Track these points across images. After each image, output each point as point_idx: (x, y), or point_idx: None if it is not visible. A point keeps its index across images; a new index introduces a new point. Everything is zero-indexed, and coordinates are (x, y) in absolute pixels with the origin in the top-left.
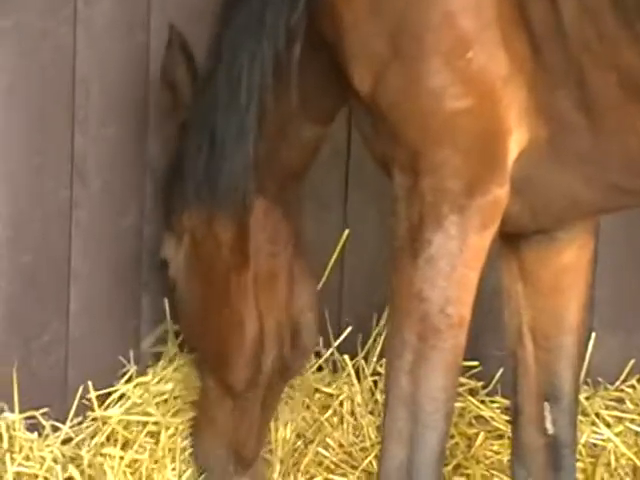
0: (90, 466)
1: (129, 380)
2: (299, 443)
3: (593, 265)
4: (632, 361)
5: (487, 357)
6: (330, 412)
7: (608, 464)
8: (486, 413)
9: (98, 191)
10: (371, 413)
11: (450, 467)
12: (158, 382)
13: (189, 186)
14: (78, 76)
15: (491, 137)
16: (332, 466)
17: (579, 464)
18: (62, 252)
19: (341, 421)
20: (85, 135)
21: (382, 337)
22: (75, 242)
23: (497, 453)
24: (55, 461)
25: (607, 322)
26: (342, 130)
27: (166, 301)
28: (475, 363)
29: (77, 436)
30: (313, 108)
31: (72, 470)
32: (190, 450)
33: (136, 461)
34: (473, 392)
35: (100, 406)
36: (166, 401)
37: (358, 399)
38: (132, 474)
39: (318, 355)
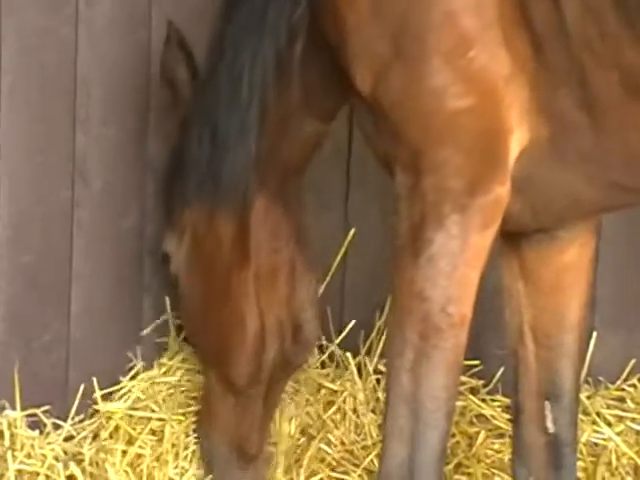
0: (91, 464)
1: (133, 377)
2: (302, 440)
3: (594, 264)
4: (633, 360)
5: (488, 356)
6: (334, 409)
7: (609, 463)
8: (487, 412)
9: (99, 191)
10: (373, 412)
11: (451, 466)
12: (163, 375)
13: (191, 182)
14: (79, 75)
15: (492, 136)
16: (334, 463)
17: (580, 463)
18: (63, 252)
19: (343, 418)
20: (87, 135)
21: (384, 335)
22: (76, 242)
23: (498, 452)
24: (56, 459)
25: (608, 321)
26: (343, 129)
27: (167, 300)
28: (476, 362)
29: (79, 434)
30: (315, 105)
31: (73, 468)
32: (193, 447)
33: (138, 458)
34: (474, 391)
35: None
36: (170, 396)
37: (360, 397)
38: (133, 472)
39: (321, 350)
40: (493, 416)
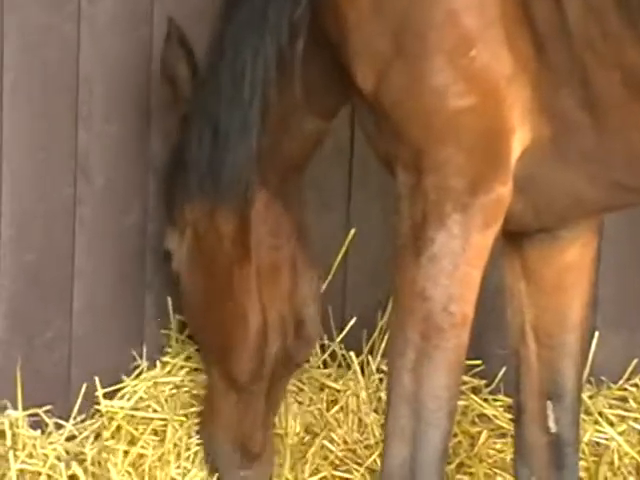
0: (94, 464)
1: (136, 376)
2: (306, 438)
3: (596, 263)
4: (635, 360)
5: (490, 356)
6: (337, 407)
7: (611, 463)
8: (489, 411)
9: (102, 188)
10: (376, 411)
11: (453, 466)
12: (165, 375)
13: (192, 179)
14: (82, 73)
15: (494, 136)
16: (337, 462)
17: (582, 463)
18: (66, 249)
19: (346, 417)
20: (89, 132)
21: (386, 334)
22: (79, 239)
23: (500, 452)
24: (58, 458)
25: (610, 321)
26: (345, 128)
27: (169, 299)
28: (478, 362)
29: (80, 434)
30: (316, 103)
31: (75, 467)
32: (195, 448)
33: (140, 458)
34: (476, 390)
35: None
36: (172, 396)
37: (363, 396)
38: (135, 472)
39: (323, 349)
40: (495, 416)
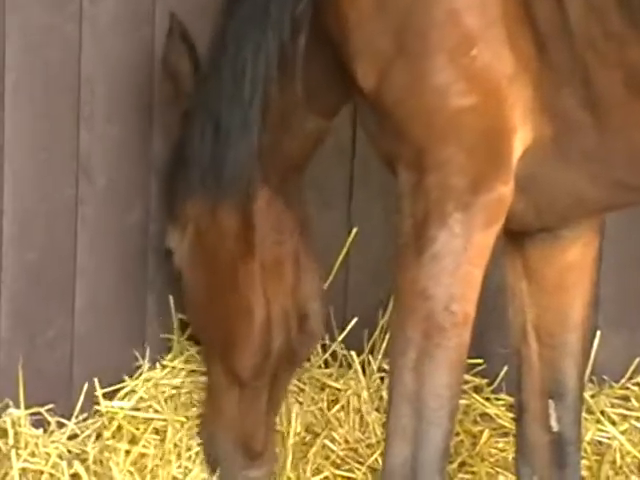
0: (95, 462)
1: (138, 376)
2: (308, 438)
3: (598, 263)
4: (637, 359)
5: (492, 355)
6: (337, 407)
7: (613, 462)
8: (491, 411)
9: (103, 188)
10: (377, 410)
11: (455, 465)
12: (166, 376)
13: (193, 174)
14: (83, 73)
15: (496, 135)
16: (339, 461)
17: (584, 462)
18: (67, 249)
19: (347, 417)
20: (91, 132)
21: (387, 333)
22: (81, 239)
23: (502, 451)
24: (60, 457)
25: (612, 320)
26: (347, 128)
27: (171, 298)
28: (480, 361)
29: (82, 432)
30: (317, 101)
31: (77, 466)
32: (196, 448)
33: (142, 457)
34: (478, 390)
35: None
36: (172, 397)
37: (364, 395)
38: (137, 471)
39: (324, 349)
40: (497, 415)
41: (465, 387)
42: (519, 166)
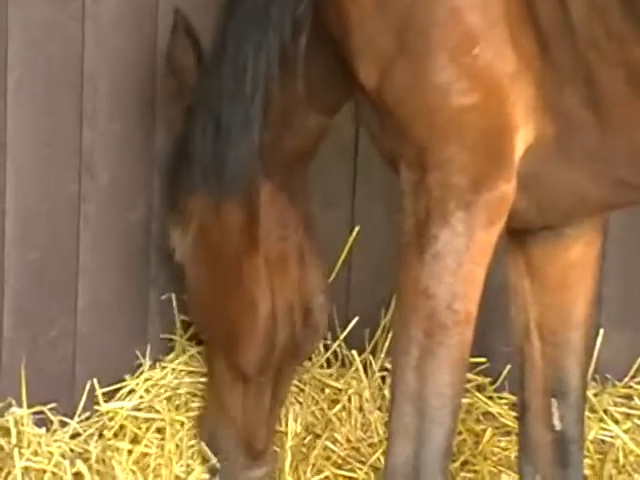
0: (98, 461)
1: (139, 375)
2: (308, 438)
3: (600, 262)
4: None
5: (494, 353)
6: (339, 407)
7: (616, 461)
8: (494, 409)
9: (106, 186)
10: (379, 409)
11: (457, 463)
12: (166, 377)
13: (195, 171)
14: (86, 70)
15: (498, 134)
16: (340, 461)
17: (587, 461)
18: (70, 247)
19: (349, 416)
20: (93, 129)
21: (389, 332)
22: (83, 237)
23: (505, 449)
24: (63, 456)
25: (615, 319)
26: (349, 126)
27: (174, 296)
28: (482, 359)
29: (85, 431)
30: (318, 99)
31: (80, 465)
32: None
33: (144, 456)
34: (480, 388)
35: (108, 401)
36: (176, 396)
37: (366, 394)
38: (140, 470)
39: (326, 348)
40: (500, 414)
41: (468, 386)
42: (521, 164)
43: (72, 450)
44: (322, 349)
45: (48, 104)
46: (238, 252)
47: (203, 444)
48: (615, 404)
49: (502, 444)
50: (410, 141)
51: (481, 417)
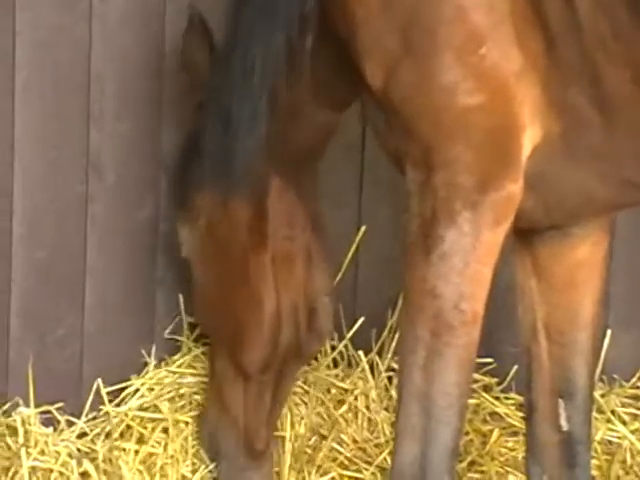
0: (105, 461)
1: (144, 374)
2: (314, 439)
3: (608, 261)
4: None
5: (501, 353)
6: (345, 407)
7: (623, 461)
8: (501, 410)
9: (113, 186)
10: (386, 409)
11: (465, 464)
12: (173, 376)
13: (205, 166)
14: (93, 71)
15: (504, 133)
16: (346, 462)
17: (594, 461)
18: (77, 246)
19: (355, 417)
20: (100, 130)
21: (396, 333)
22: (90, 237)
23: (512, 450)
24: (70, 456)
25: (622, 319)
26: (356, 125)
27: (181, 299)
28: (489, 360)
29: (92, 431)
30: (326, 96)
31: (87, 465)
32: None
33: (151, 456)
34: (487, 389)
35: (114, 400)
36: (181, 396)
37: (372, 395)
38: (147, 469)
39: (333, 348)
40: (507, 414)
41: (475, 386)
42: (528, 164)
43: (79, 450)
44: (328, 349)
45: (56, 105)
46: (245, 249)
47: (201, 450)
48: (622, 405)
49: (509, 444)
50: (416, 141)
51: (488, 417)
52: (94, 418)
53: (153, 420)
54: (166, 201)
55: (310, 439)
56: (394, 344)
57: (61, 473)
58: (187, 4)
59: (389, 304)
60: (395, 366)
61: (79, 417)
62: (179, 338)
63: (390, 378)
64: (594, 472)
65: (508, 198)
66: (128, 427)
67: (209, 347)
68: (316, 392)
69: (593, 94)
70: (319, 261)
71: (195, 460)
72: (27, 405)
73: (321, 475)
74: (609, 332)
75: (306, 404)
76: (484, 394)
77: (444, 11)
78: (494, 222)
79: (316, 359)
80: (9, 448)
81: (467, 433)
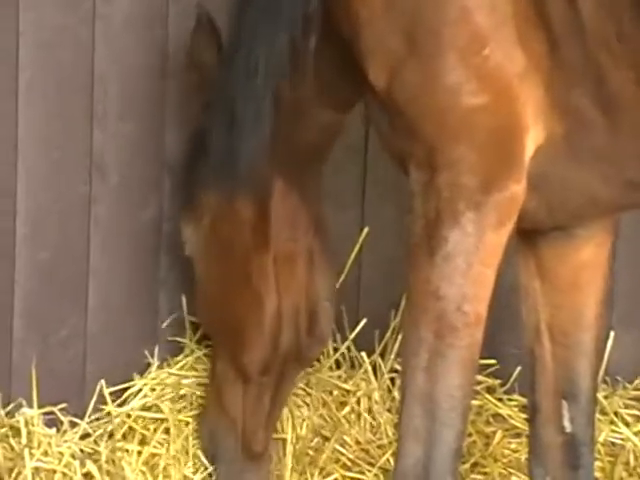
0: (108, 462)
1: (147, 375)
2: (316, 440)
3: (611, 262)
4: None
5: (505, 355)
6: (347, 409)
7: (627, 463)
8: (504, 411)
9: (116, 186)
10: (389, 411)
11: (468, 465)
12: (174, 377)
13: (209, 167)
14: (97, 72)
15: (508, 134)
16: (349, 463)
17: (598, 463)
18: (80, 247)
19: (358, 418)
20: (104, 131)
21: (399, 334)
22: (93, 237)
23: (515, 451)
24: (73, 457)
25: (625, 321)
26: (359, 127)
27: (184, 300)
28: (492, 361)
29: (95, 432)
30: (330, 96)
31: (90, 466)
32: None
33: (153, 457)
34: (491, 390)
35: (116, 400)
36: (183, 396)
37: (375, 396)
38: (150, 470)
39: (335, 350)
40: (510, 415)
41: (478, 388)
42: (531, 165)
43: (82, 450)
44: (331, 351)
45: (59, 105)
46: (247, 249)
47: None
48: (626, 406)
49: (512, 446)
50: (420, 141)
51: (491, 419)
52: (97, 419)
53: (155, 421)
54: (169, 202)
55: (312, 440)
56: (397, 345)
57: (64, 474)
58: (191, 5)
59: (392, 305)
60: (398, 367)
61: (82, 418)
62: (182, 340)
63: (393, 379)
64: (597, 474)
65: (511, 199)
66: (131, 428)
67: (211, 348)
68: (318, 393)
69: (596, 95)
70: (322, 264)
71: (196, 461)
72: (30, 406)
73: (324, 477)
74: (612, 333)
75: (308, 405)
76: (487, 395)
77: (448, 12)
78: (497, 223)
79: (318, 360)
80: (12, 449)
81: (470, 435)
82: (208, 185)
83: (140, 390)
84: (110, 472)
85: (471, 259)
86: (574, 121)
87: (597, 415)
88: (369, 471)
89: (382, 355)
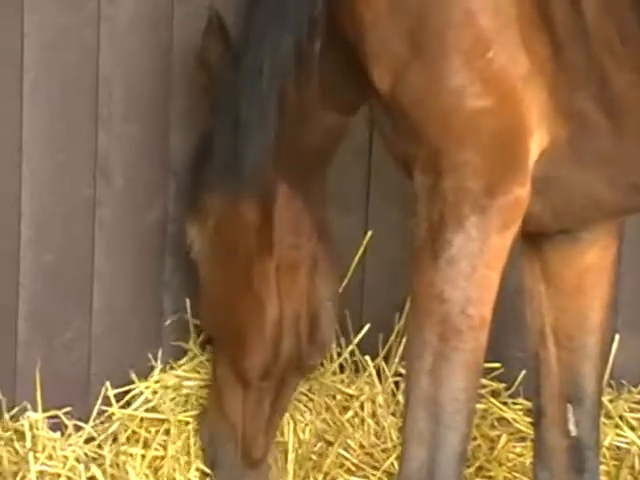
0: (112, 465)
1: (150, 378)
2: (320, 445)
3: (616, 266)
4: None
5: (509, 359)
6: (351, 413)
7: (632, 467)
8: (508, 415)
9: (121, 189)
10: (393, 414)
11: (472, 469)
12: (177, 380)
13: (214, 170)
14: (101, 74)
15: (512, 137)
16: (353, 467)
17: (603, 467)
18: (85, 250)
19: (362, 422)
20: (108, 133)
21: (403, 337)
22: (98, 240)
23: (520, 455)
24: (78, 460)
25: (630, 324)
26: (363, 130)
27: (188, 303)
28: (497, 364)
29: (99, 435)
30: (335, 99)
31: (94, 469)
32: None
33: (157, 460)
34: (495, 394)
35: (120, 401)
36: (182, 400)
37: (379, 400)
38: (153, 473)
39: (339, 355)
40: (514, 419)
41: (482, 391)
42: (535, 168)
43: (86, 454)
44: (335, 355)
45: (63, 107)
46: (250, 253)
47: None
48: (631, 410)
49: (517, 450)
50: (424, 144)
51: (496, 423)
52: (102, 422)
53: (158, 423)
54: (174, 204)
55: (316, 445)
56: (401, 349)
57: (69, 478)
58: (197, 6)
59: (396, 309)
60: (402, 371)
61: (86, 422)
62: (185, 345)
63: (397, 383)
64: (602, 478)
65: (516, 202)
66: (134, 432)
67: (213, 349)
68: (322, 398)
69: (600, 98)
70: (325, 270)
71: (200, 465)
72: (35, 409)
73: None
74: (617, 337)
75: (311, 410)
76: (492, 399)
77: (452, 15)
78: (502, 226)
79: (322, 365)
80: (17, 453)
81: (475, 438)
82: (212, 187)
83: (142, 393)
84: (114, 476)
85: (475, 262)
86: (578, 124)
87: (602, 419)
88: (373, 475)
89: (386, 359)
